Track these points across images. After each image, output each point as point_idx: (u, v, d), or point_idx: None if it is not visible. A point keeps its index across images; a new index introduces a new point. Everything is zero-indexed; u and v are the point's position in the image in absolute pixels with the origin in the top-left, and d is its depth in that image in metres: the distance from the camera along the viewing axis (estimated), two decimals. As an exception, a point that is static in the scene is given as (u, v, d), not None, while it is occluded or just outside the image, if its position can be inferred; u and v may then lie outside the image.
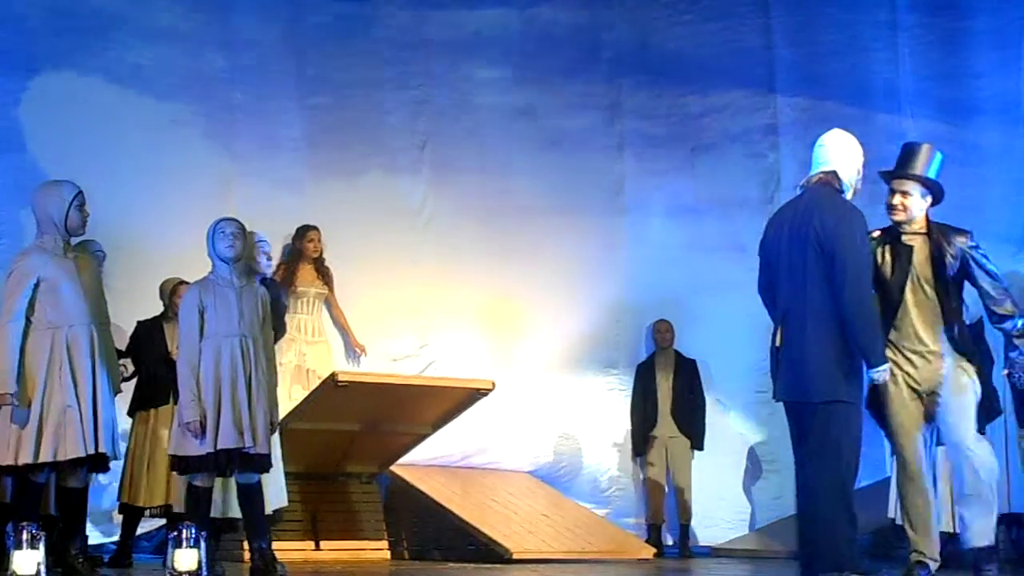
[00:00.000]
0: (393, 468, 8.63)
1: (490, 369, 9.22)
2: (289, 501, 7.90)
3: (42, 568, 5.26)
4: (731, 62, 10.64)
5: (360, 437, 8.27)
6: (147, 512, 7.87)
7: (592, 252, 10.34)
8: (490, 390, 8.36)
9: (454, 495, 8.69)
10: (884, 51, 10.67)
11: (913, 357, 6.11)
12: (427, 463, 8.95)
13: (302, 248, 9.57)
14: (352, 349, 9.78)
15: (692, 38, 10.67)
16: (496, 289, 10.15)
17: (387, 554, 8.40)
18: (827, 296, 5.62)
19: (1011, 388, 8.03)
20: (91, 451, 6.43)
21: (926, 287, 6.14)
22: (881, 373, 5.74)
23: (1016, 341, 6.60)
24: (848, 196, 5.83)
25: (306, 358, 9.44)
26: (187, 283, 7.94)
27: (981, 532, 6.11)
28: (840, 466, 5.62)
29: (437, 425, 8.53)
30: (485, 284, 10.11)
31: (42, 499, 6.72)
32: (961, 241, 6.18)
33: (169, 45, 9.54)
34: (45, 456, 6.39)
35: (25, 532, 5.32)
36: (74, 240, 6.73)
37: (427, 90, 10.25)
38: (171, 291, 8.02)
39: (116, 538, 8.09)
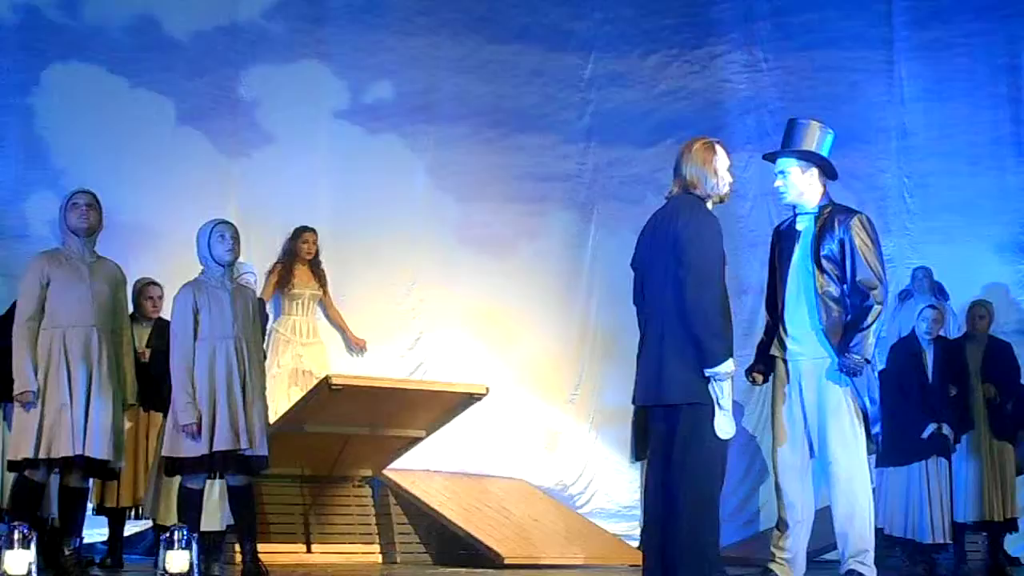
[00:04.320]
0: (386, 472, 8.63)
1: (483, 373, 9.26)
2: (281, 504, 7.92)
3: (33, 568, 5.26)
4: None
5: (353, 440, 8.28)
6: (129, 513, 7.88)
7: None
8: (484, 395, 8.37)
9: (447, 500, 8.69)
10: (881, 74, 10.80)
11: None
12: (420, 468, 8.96)
13: (297, 249, 9.59)
14: (353, 346, 9.83)
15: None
16: (488, 292, 10.22)
17: (379, 558, 8.40)
18: (681, 300, 5.51)
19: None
20: (79, 452, 6.48)
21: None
22: (719, 372, 5.50)
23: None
24: (711, 203, 5.71)
25: (302, 359, 9.47)
26: (155, 284, 8.01)
27: None
28: (705, 469, 5.52)
29: (431, 429, 8.54)
30: (478, 286, 10.17)
31: (42, 499, 6.77)
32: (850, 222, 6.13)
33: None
34: (40, 452, 6.46)
35: (16, 532, 5.33)
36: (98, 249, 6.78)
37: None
38: (138, 292, 8.02)
39: (105, 539, 8.10)
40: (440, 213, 10.26)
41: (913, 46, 10.91)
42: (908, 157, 10.87)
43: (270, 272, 9.42)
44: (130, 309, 8.00)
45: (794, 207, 6.32)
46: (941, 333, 8.87)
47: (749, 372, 6.33)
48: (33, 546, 5.28)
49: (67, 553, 6.66)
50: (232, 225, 6.90)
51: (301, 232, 9.59)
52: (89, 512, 7.61)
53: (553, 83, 10.72)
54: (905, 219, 10.74)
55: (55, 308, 6.60)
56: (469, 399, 8.39)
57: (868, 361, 6.13)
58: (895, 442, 8.47)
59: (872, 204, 9.93)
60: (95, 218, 6.74)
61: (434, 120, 10.35)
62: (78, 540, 6.88)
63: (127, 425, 7.70)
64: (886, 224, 10.27)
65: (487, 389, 8.38)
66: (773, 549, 6.27)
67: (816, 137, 6.22)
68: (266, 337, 8.75)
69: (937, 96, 10.85)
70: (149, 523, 8.04)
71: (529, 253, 10.50)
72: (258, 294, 7.76)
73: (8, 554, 5.24)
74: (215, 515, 7.30)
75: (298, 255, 9.58)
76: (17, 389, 6.53)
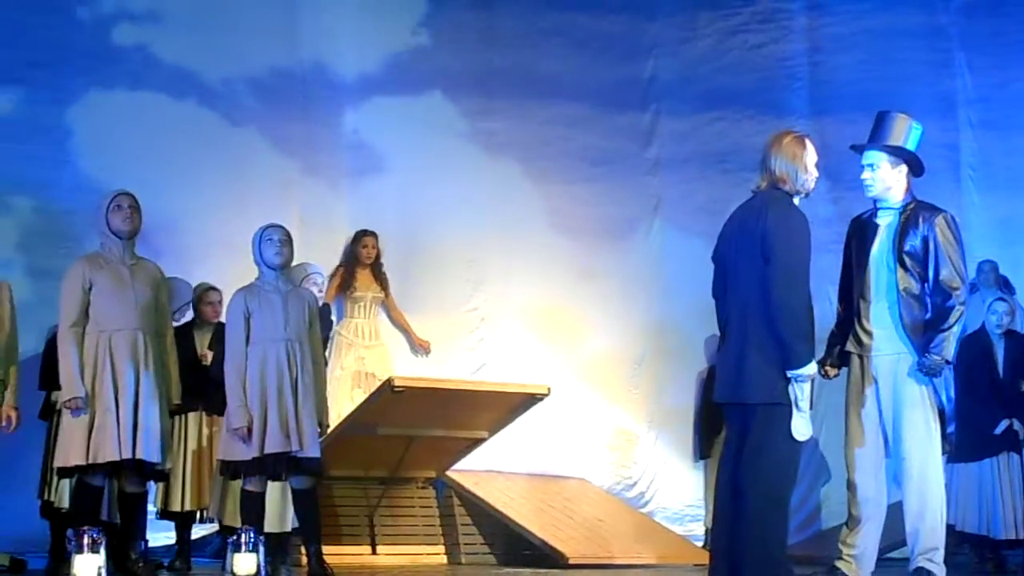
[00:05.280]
0: (449, 473, 8.64)
1: (545, 372, 9.26)
2: (347, 505, 7.94)
3: (103, 572, 5.30)
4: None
5: (416, 442, 8.28)
6: (197, 516, 7.93)
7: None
8: (546, 395, 8.35)
9: (510, 500, 8.68)
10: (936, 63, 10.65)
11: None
12: (482, 468, 8.96)
13: (358, 253, 9.62)
14: (416, 347, 9.85)
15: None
16: (550, 291, 10.21)
17: (444, 559, 8.41)
18: (767, 298, 5.46)
19: None
20: (127, 456, 6.50)
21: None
22: (801, 373, 5.46)
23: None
24: (798, 198, 5.65)
25: (364, 362, 9.50)
26: (215, 289, 8.03)
27: None
28: (777, 470, 5.47)
29: (493, 429, 8.54)
30: (540, 285, 10.17)
31: (101, 503, 6.81)
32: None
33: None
34: (90, 458, 6.48)
35: (86, 536, 5.36)
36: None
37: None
38: (198, 297, 8.06)
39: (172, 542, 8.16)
40: (501, 212, 10.25)
41: (974, 34, 10.76)
42: (972, 149, 10.74)
43: (332, 275, 9.46)
44: (191, 315, 8.08)
45: (875, 201, 6.25)
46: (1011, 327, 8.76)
47: (821, 365, 6.25)
48: (103, 550, 5.32)
49: (134, 557, 6.71)
50: (282, 228, 6.91)
51: (362, 235, 9.63)
52: (154, 516, 7.68)
53: (618, 87, 10.69)
54: (969, 213, 10.60)
55: (100, 312, 6.58)
56: (531, 399, 8.37)
57: (949, 362, 6.09)
58: (966, 438, 8.41)
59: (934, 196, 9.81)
60: (138, 220, 6.75)
61: (495, 117, 10.34)
62: (143, 543, 6.93)
63: (191, 430, 7.78)
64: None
65: (548, 389, 8.36)
66: (841, 546, 6.21)
67: (906, 131, 6.14)
68: (329, 340, 8.80)
69: (1002, 86, 10.69)
70: (216, 526, 8.09)
71: (592, 250, 10.45)
72: (322, 299, 7.78)
73: (78, 559, 5.28)
74: (280, 517, 7.34)
75: (359, 258, 9.61)
76: (65, 395, 6.55)
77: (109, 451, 6.49)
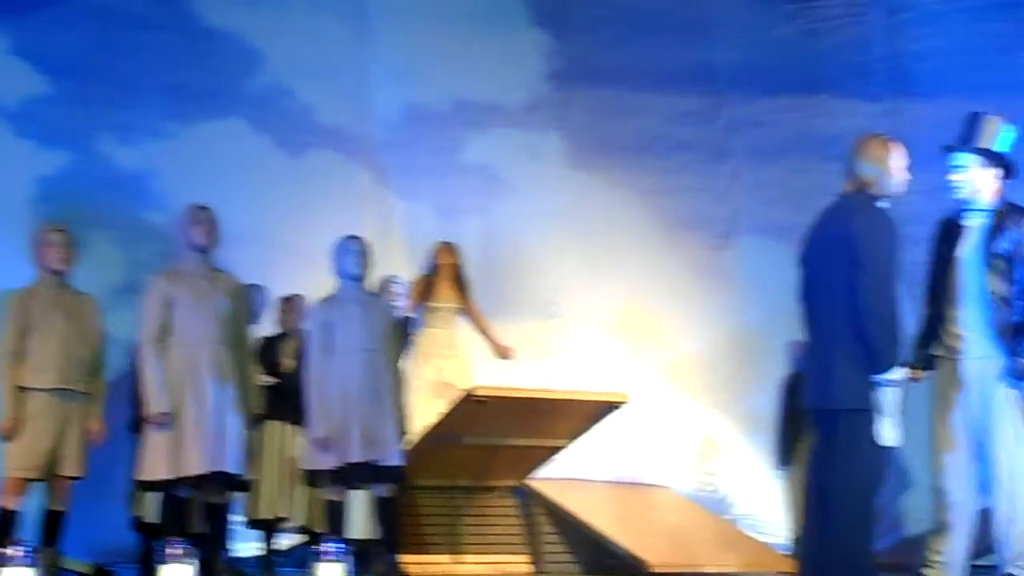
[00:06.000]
0: (531, 482, 8.64)
1: (626, 379, 9.25)
2: (430, 515, 7.96)
3: (191, 582, 5.38)
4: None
5: (498, 450, 8.29)
6: (280, 525, 7.99)
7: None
8: (625, 403, 8.34)
9: (592, 508, 8.67)
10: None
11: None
12: (563, 477, 8.96)
13: (439, 262, 9.66)
14: (500, 353, 9.87)
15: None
16: (633, 298, 10.20)
17: (528, 567, 8.41)
18: (854, 303, 5.41)
19: None
20: (213, 469, 6.56)
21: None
22: (889, 379, 5.44)
23: None
24: (886, 201, 5.59)
25: (443, 372, 9.51)
26: (297, 296, 8.09)
27: None
28: (865, 476, 5.43)
29: (572, 437, 8.53)
30: (622, 292, 10.15)
31: (190, 514, 6.89)
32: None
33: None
34: (176, 471, 6.55)
35: (174, 547, 5.43)
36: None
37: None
38: (281, 308, 8.12)
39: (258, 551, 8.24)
40: (582, 217, 10.25)
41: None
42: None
43: (412, 285, 9.50)
44: (276, 327, 8.16)
45: (964, 202, 6.18)
46: None
47: (908, 368, 6.17)
48: (191, 561, 5.39)
49: (220, 567, 6.78)
50: (360, 240, 6.96)
51: (442, 245, 9.66)
52: (243, 526, 7.76)
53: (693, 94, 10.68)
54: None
55: (182, 327, 6.63)
56: (610, 407, 8.36)
57: None
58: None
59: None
60: (217, 233, 6.81)
61: (571, 126, 10.35)
62: (227, 553, 7.01)
63: (274, 439, 7.85)
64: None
65: (628, 397, 8.34)
66: (928, 553, 6.13)
67: (995, 133, 6.03)
68: (408, 350, 8.84)
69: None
70: (302, 536, 8.15)
71: (673, 254, 10.42)
72: (405, 307, 7.83)
73: (167, 569, 5.35)
74: (364, 524, 7.38)
75: (440, 268, 9.64)
76: (149, 410, 6.61)
77: (193, 464, 6.55)
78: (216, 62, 9.57)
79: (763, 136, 10.69)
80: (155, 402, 6.57)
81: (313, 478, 6.88)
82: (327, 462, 6.74)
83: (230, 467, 6.61)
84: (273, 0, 9.76)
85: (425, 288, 9.56)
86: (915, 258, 6.18)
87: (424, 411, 9.01)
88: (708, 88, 10.70)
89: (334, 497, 6.86)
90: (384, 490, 6.89)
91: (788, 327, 9.87)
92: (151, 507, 7.34)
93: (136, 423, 7.61)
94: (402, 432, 6.99)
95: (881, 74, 10.59)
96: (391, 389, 6.89)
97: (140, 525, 7.59)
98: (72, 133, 9.19)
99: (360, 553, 7.11)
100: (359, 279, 6.93)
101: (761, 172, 10.67)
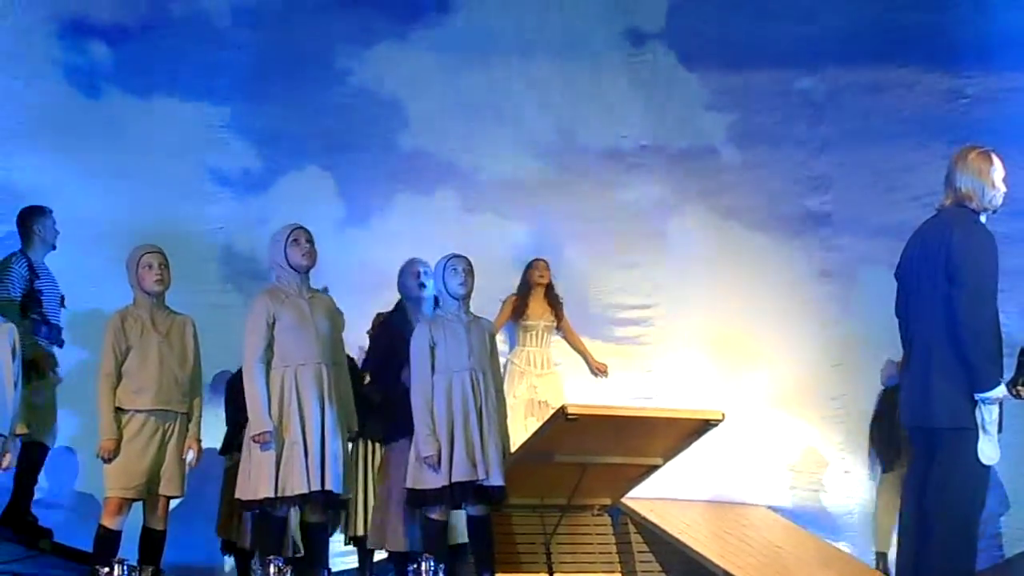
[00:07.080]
0: (624, 500, 8.61)
1: (719, 397, 9.18)
2: (523, 534, 7.96)
3: (289, 602, 5.42)
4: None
5: (591, 469, 8.26)
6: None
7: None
8: (720, 421, 8.27)
9: (686, 527, 8.61)
10: None
11: None
12: (657, 496, 8.91)
13: (532, 280, 9.67)
14: (595, 370, 9.86)
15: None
16: (725, 316, 10.13)
17: (621, 586, 8.39)
18: (952, 320, 5.34)
19: None
20: (315, 488, 6.59)
21: None
22: (989, 396, 5.33)
23: None
24: (985, 215, 5.51)
25: (537, 390, 9.53)
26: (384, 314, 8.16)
27: None
28: (965, 495, 5.36)
29: (667, 456, 8.48)
30: (714, 307, 10.09)
31: (286, 535, 6.94)
32: None
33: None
34: (279, 491, 6.59)
35: (271, 567, 5.49)
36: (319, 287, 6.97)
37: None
38: (373, 326, 8.18)
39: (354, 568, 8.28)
40: (671, 232, 10.21)
41: None
42: None
43: (505, 302, 9.53)
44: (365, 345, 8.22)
45: None
46: None
47: (1013, 385, 6.09)
48: (287, 580, 5.44)
49: (320, 586, 6.82)
50: (465, 259, 6.99)
51: (534, 262, 9.69)
52: (342, 543, 7.80)
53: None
54: None
55: (285, 347, 6.69)
56: (705, 425, 8.29)
57: None
58: None
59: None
60: (316, 255, 6.87)
61: (668, 147, 10.33)
62: (325, 572, 7.04)
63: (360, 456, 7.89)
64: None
65: (723, 415, 8.27)
66: None
67: None
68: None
69: None
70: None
71: (764, 269, 10.33)
72: (426, 295, 7.80)
73: (263, 588, 5.41)
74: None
75: (533, 285, 9.66)
76: (253, 430, 6.66)
77: (297, 484, 6.59)
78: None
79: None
80: (259, 421, 6.63)
81: (416, 497, 6.89)
82: (434, 481, 6.75)
83: (333, 486, 6.65)
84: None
85: (518, 306, 9.59)
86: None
87: (518, 430, 9.04)
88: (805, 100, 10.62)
89: (436, 516, 6.87)
90: (479, 509, 6.89)
91: (892, 342, 9.92)
92: (242, 529, 7.40)
93: (227, 444, 7.70)
94: (505, 452, 6.98)
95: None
96: (496, 408, 6.90)
97: (227, 545, 7.65)
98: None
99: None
100: (463, 298, 6.96)
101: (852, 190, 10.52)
